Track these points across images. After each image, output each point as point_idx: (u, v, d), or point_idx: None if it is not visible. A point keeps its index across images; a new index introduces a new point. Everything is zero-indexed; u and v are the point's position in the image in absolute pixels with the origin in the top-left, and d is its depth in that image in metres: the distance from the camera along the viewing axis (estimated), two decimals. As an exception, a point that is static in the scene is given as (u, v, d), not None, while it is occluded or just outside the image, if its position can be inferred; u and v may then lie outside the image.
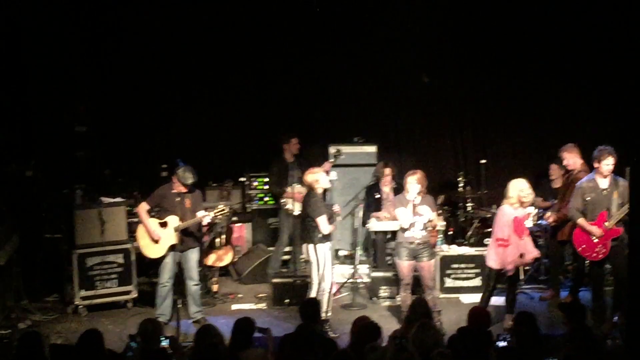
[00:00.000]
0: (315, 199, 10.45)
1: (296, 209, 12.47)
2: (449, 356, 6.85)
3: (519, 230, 10.11)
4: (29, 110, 12.74)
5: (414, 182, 10.37)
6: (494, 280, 10.46)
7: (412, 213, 10.29)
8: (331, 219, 10.36)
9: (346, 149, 13.40)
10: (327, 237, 10.34)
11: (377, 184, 12.75)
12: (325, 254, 10.31)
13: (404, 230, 10.37)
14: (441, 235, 12.18)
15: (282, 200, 12.73)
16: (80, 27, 13.17)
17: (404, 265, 10.40)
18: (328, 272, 10.28)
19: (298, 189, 12.36)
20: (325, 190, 10.99)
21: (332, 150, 13.22)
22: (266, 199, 13.65)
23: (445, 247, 12.04)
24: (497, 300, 11.23)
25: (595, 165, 10.43)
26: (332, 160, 12.57)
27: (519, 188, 10.21)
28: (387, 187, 12.63)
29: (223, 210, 10.65)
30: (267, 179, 13.40)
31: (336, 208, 10.63)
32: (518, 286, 11.01)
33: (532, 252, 10.32)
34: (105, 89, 13.61)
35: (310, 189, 10.46)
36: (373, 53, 14.08)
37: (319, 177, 10.42)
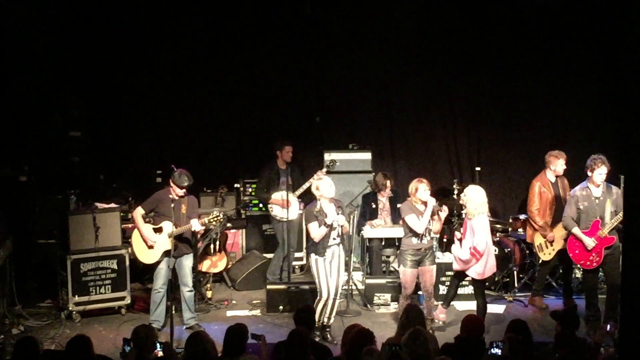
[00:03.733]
0: (308, 206, 10.44)
1: (281, 215, 12.51)
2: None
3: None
4: (23, 115, 12.71)
5: (426, 190, 10.39)
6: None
7: (428, 220, 10.32)
8: (327, 226, 10.17)
9: (341, 155, 13.42)
10: (321, 250, 10.20)
11: (374, 193, 12.75)
12: (319, 265, 10.21)
13: (415, 236, 10.35)
14: (436, 243, 12.19)
15: (268, 206, 12.70)
16: (74, 32, 13.18)
17: (409, 272, 10.36)
18: (324, 282, 10.21)
19: (283, 196, 12.38)
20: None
21: (327, 157, 13.23)
22: (260, 205, 13.60)
23: (439, 254, 12.03)
24: (493, 308, 11.27)
25: (589, 173, 10.46)
26: (324, 170, 12.54)
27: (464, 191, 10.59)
28: (384, 197, 12.65)
29: (217, 216, 10.64)
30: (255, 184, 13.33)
31: (340, 221, 10.29)
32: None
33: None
34: (100, 94, 13.62)
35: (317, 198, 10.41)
36: (368, 59, 14.13)
37: (319, 185, 10.34)
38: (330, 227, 10.15)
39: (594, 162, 10.37)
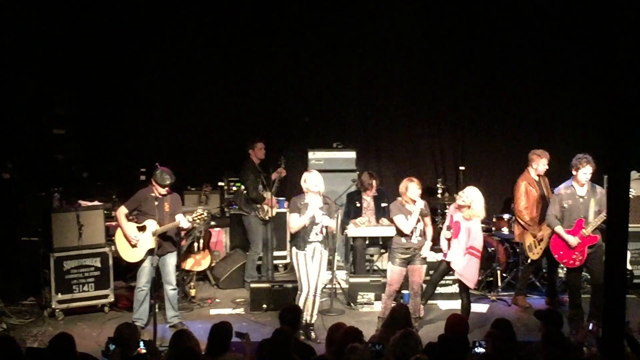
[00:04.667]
0: (294, 197, 10.48)
1: (270, 214, 12.54)
2: (426, 362, 6.86)
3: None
4: (7, 112, 12.67)
5: (417, 189, 10.37)
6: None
7: (415, 220, 10.31)
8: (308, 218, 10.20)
9: (325, 154, 13.44)
10: (301, 243, 10.26)
11: (359, 192, 12.75)
12: (299, 259, 10.28)
13: (402, 236, 10.35)
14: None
15: (259, 206, 12.66)
16: (59, 29, 13.14)
17: (396, 270, 10.35)
18: (304, 276, 10.26)
19: (268, 196, 12.41)
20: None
21: (311, 156, 13.29)
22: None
23: (432, 253, 12.00)
24: (477, 308, 11.29)
25: (573, 172, 10.47)
26: (282, 167, 12.59)
27: (463, 190, 10.55)
28: (368, 197, 12.65)
29: (201, 214, 10.62)
30: (243, 186, 13.22)
31: (324, 221, 10.25)
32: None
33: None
34: (85, 91, 13.58)
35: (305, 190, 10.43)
36: (353, 58, 14.13)
37: (306, 177, 10.31)
38: (312, 222, 10.17)
39: (579, 162, 10.39)
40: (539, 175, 11.59)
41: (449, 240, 10.50)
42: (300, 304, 10.10)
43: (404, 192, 10.41)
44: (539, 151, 11.61)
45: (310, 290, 10.25)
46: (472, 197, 10.33)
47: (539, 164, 11.51)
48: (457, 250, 10.38)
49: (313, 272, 10.25)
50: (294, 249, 10.37)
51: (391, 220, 10.58)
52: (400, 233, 10.37)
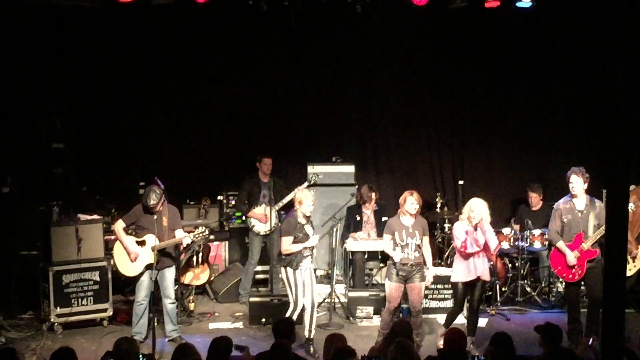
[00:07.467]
0: (289, 219, 10.45)
1: (258, 228, 12.51)
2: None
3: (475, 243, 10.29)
4: (6, 126, 12.66)
5: (415, 202, 10.32)
6: (461, 294, 10.50)
7: (407, 235, 10.26)
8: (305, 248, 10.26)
9: (324, 168, 13.43)
10: (295, 264, 10.24)
11: (359, 205, 12.76)
12: (297, 277, 10.24)
13: (402, 249, 10.24)
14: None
15: (248, 220, 12.69)
16: (58, 43, 13.14)
17: (394, 286, 10.25)
18: (301, 293, 10.24)
19: (263, 210, 12.38)
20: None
21: (310, 170, 13.25)
22: (244, 217, 13.60)
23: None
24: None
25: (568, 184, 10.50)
26: (306, 184, 12.51)
27: (469, 207, 10.35)
28: (368, 210, 12.66)
29: (202, 232, 10.62)
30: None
31: (314, 241, 10.39)
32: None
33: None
34: (83, 105, 13.58)
35: (295, 208, 10.44)
36: (351, 72, 14.15)
37: (302, 199, 10.33)
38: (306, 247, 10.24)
39: (569, 173, 10.42)
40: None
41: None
42: (295, 318, 10.08)
43: (402, 204, 10.40)
44: None
45: (307, 307, 10.27)
46: (482, 209, 10.31)
47: None
48: (484, 261, 10.38)
49: (308, 287, 10.30)
50: (288, 269, 10.28)
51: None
52: (398, 246, 10.33)
